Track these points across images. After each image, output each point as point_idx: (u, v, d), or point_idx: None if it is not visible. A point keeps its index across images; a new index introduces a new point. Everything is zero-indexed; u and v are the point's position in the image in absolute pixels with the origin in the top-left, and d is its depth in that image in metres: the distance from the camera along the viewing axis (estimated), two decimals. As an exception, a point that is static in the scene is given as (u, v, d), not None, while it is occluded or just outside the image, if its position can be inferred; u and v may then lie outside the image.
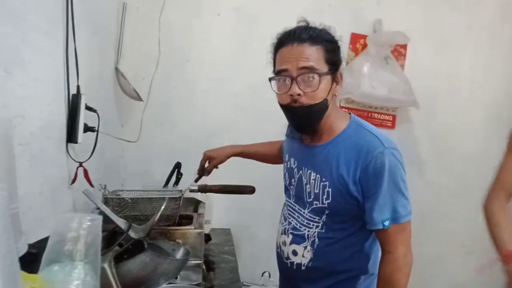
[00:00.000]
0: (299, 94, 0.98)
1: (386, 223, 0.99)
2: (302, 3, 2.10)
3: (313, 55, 0.98)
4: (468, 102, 2.34)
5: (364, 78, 2.00)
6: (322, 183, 1.06)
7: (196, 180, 1.49)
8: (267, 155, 1.49)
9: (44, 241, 0.75)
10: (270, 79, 1.06)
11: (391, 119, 2.23)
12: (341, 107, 2.16)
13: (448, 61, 2.29)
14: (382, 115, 2.21)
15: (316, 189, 1.08)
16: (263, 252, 2.05)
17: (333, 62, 1.01)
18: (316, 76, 0.98)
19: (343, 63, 1.09)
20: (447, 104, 2.31)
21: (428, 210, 2.31)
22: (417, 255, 2.21)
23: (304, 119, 1.04)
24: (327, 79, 1.00)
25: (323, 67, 0.99)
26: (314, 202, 1.09)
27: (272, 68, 1.08)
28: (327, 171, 1.05)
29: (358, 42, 2.14)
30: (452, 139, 2.33)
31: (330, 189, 1.05)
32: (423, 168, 2.31)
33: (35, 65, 0.95)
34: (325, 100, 1.01)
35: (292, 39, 0.99)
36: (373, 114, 2.19)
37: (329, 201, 1.05)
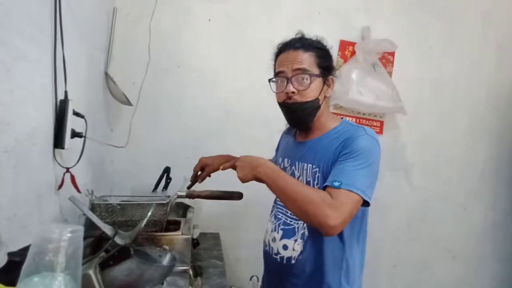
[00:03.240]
0: (293, 92, 1.13)
1: (336, 183, 1.00)
2: (291, 10, 2.12)
3: (306, 59, 1.13)
4: (452, 108, 2.38)
5: (352, 85, 2.02)
6: (313, 170, 1.15)
7: (189, 187, 1.51)
8: None
9: (28, 248, 0.75)
10: (269, 80, 1.21)
11: (379, 125, 2.26)
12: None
13: (433, 68, 2.33)
14: (370, 121, 2.23)
15: (308, 177, 1.16)
16: (251, 256, 2.05)
17: (324, 67, 1.15)
18: (307, 76, 1.12)
19: (336, 71, 1.23)
20: (433, 110, 2.36)
21: (414, 213, 2.36)
22: (403, 258, 2.25)
23: (297, 115, 1.17)
24: (318, 80, 1.14)
25: (315, 70, 1.13)
26: None
27: (272, 73, 1.23)
28: (318, 159, 1.14)
29: (347, 49, 2.17)
30: (438, 144, 2.38)
31: (320, 174, 1.13)
32: (409, 173, 2.34)
33: (19, 71, 0.95)
34: (317, 99, 1.14)
35: (288, 47, 1.16)
36: (361, 120, 2.22)
37: (319, 185, 1.13)
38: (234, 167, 1.19)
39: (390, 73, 2.21)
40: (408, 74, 2.27)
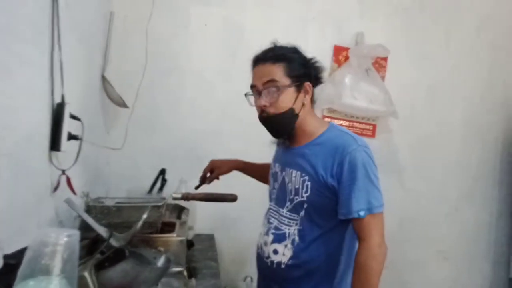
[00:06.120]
0: (265, 105, 1.14)
1: (362, 213, 1.07)
2: (287, 15, 2.15)
3: (274, 71, 1.13)
4: (446, 112, 2.41)
5: (345, 89, 2.05)
6: (302, 178, 1.16)
7: (197, 187, 1.54)
8: (265, 175, 1.55)
9: (24, 251, 0.76)
10: (246, 95, 1.22)
11: (371, 128, 2.28)
12: (324, 117, 2.21)
13: (428, 73, 2.36)
14: (362, 124, 2.26)
15: (297, 185, 1.17)
16: (245, 257, 2.08)
17: (296, 76, 1.14)
18: (276, 88, 1.12)
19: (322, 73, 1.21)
20: (426, 114, 2.38)
21: (406, 216, 2.38)
22: (395, 260, 2.28)
23: (274, 127, 1.19)
24: (289, 90, 1.14)
25: (284, 81, 1.13)
26: (295, 198, 1.18)
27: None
28: (307, 167, 1.15)
29: (341, 54, 2.19)
30: (430, 148, 2.41)
31: (309, 183, 1.14)
32: (402, 175, 2.37)
33: (20, 75, 0.96)
34: (291, 109, 1.14)
35: (259, 60, 1.17)
36: (354, 123, 2.25)
37: (308, 194, 1.14)
38: None
39: (383, 78, 2.24)
40: (402, 78, 2.30)
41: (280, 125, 1.18)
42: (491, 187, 2.52)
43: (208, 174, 1.54)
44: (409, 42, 2.31)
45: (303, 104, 1.17)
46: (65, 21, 1.18)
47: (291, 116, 1.15)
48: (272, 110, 1.14)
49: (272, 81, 1.13)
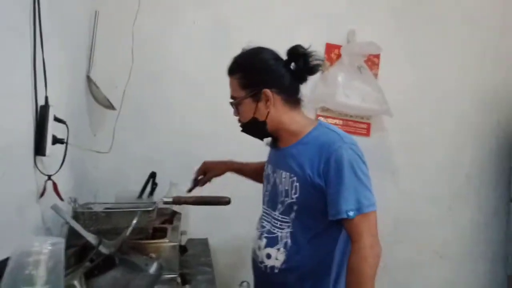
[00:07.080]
0: (237, 116, 1.22)
1: (351, 213, 1.04)
2: (278, 13, 2.12)
3: (232, 85, 1.18)
4: (440, 111, 2.41)
5: (338, 87, 2.03)
6: (291, 179, 1.14)
7: (189, 190, 1.50)
8: (262, 175, 1.52)
9: (7, 261, 0.71)
10: None
11: (365, 127, 2.27)
12: (318, 116, 2.19)
13: (419, 71, 2.35)
14: (357, 123, 2.25)
15: (287, 186, 1.15)
16: (241, 261, 2.03)
17: (250, 85, 1.14)
18: (234, 102, 1.18)
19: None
20: (420, 113, 2.38)
21: (401, 216, 2.36)
22: (390, 261, 2.27)
23: (249, 133, 1.23)
24: (246, 102, 1.15)
25: (240, 93, 1.16)
26: (285, 199, 1.16)
27: None
28: (295, 167, 1.13)
29: (333, 52, 2.18)
30: (425, 147, 2.40)
31: (297, 184, 1.12)
32: (396, 175, 2.36)
33: (0, 76, 0.92)
34: (253, 119, 1.16)
35: None
36: (348, 122, 2.23)
37: (297, 195, 1.12)
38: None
39: (375, 75, 2.23)
40: (395, 76, 2.29)
41: (252, 133, 1.23)
42: (485, 186, 2.52)
43: (201, 176, 1.49)
44: (400, 39, 2.30)
45: (268, 112, 1.14)
46: (48, 21, 1.13)
47: (255, 125, 1.17)
48: (241, 120, 1.21)
49: (232, 96, 1.19)
